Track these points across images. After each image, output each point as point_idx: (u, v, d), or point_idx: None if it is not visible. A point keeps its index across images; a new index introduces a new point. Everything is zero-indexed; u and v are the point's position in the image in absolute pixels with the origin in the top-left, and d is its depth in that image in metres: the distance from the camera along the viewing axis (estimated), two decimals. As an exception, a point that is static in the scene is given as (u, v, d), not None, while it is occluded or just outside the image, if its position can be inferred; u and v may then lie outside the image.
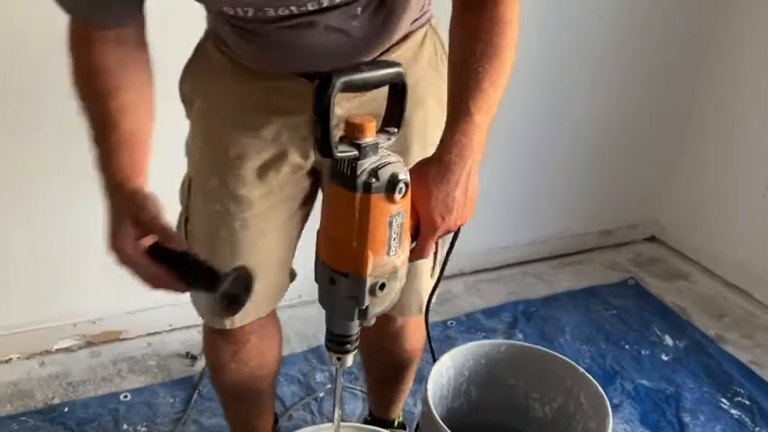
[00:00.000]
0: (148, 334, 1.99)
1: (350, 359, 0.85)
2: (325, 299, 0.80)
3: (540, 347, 1.42)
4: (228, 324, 1.15)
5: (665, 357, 2.06)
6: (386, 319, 1.23)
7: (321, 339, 0.89)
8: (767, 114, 2.27)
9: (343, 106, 0.97)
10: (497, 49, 0.86)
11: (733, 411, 1.87)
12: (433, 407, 1.23)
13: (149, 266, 0.80)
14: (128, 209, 0.82)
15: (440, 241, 1.01)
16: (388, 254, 0.77)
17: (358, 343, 0.84)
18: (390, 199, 0.74)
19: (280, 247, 1.14)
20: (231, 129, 1.04)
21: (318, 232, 0.80)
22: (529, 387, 1.44)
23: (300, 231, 1.17)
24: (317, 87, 0.70)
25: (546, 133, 2.30)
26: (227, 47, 1.02)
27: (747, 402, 1.89)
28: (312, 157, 1.06)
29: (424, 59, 1.07)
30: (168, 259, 0.81)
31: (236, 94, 1.04)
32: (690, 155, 2.54)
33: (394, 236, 0.77)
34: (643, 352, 2.07)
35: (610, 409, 1.25)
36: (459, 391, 1.42)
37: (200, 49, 1.08)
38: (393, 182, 0.73)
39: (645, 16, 2.26)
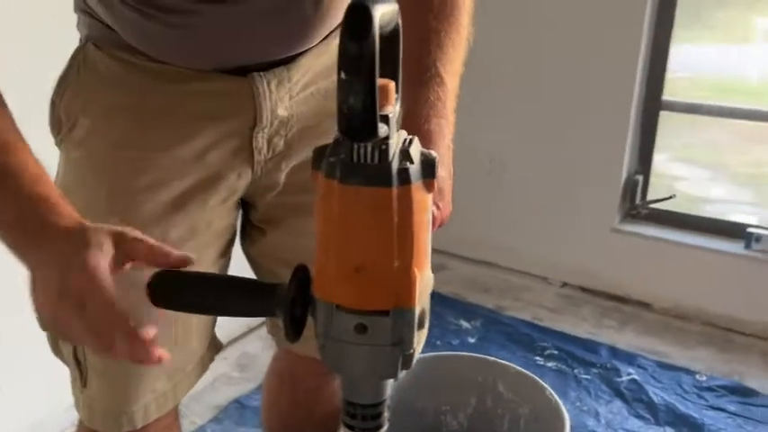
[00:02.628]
0: None
1: None
2: (345, 359, 0.55)
3: (443, 353, 1.32)
4: (139, 421, 0.83)
5: (471, 340, 2.13)
6: (326, 374, 0.99)
7: None
8: (467, 118, 2.52)
9: (285, 102, 0.75)
10: (455, 5, 0.74)
11: (550, 365, 2.00)
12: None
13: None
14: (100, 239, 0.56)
15: None
16: (428, 266, 0.56)
17: None
18: (429, 186, 0.53)
19: None
20: (136, 151, 0.76)
21: (314, 270, 0.54)
22: (438, 402, 1.32)
23: None
24: (348, 27, 0.46)
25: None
26: (122, 48, 0.75)
27: (556, 352, 2.05)
28: (246, 177, 0.79)
29: None
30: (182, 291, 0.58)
31: (138, 104, 0.76)
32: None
33: (430, 239, 0.56)
34: (453, 342, 2.11)
35: (542, 383, 1.21)
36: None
37: (80, 58, 0.81)
38: (429, 162, 0.52)
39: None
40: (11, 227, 0.59)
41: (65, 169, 0.82)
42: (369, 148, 0.50)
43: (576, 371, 1.97)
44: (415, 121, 0.68)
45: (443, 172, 0.69)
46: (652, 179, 2.41)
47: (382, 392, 0.57)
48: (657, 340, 2.15)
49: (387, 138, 0.50)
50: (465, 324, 2.22)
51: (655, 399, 1.82)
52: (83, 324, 0.54)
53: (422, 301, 0.54)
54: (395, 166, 0.50)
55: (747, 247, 2.18)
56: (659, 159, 2.61)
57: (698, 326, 2.24)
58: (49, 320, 0.60)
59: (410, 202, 0.51)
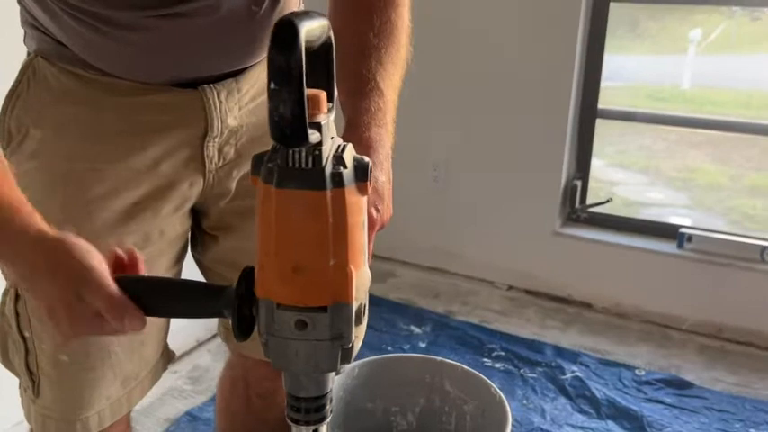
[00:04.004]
0: None
1: (325, 429, 0.63)
2: (288, 354, 0.57)
3: (392, 354, 1.35)
4: (94, 428, 0.84)
5: (422, 344, 2.17)
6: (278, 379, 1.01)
7: None
8: (417, 116, 2.58)
9: (234, 113, 0.78)
10: (394, 26, 0.78)
11: (498, 365, 2.06)
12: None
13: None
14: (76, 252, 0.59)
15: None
16: (365, 263, 0.60)
17: None
18: (362, 190, 0.56)
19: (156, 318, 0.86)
20: (89, 162, 0.78)
21: (256, 270, 0.58)
22: (387, 403, 1.35)
23: None
24: (275, 41, 0.50)
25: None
26: (72, 62, 0.76)
27: (503, 353, 2.11)
28: (198, 185, 0.82)
29: None
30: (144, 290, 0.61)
31: (91, 117, 0.77)
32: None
33: (366, 239, 0.60)
34: (404, 347, 2.15)
35: (487, 380, 1.25)
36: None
37: (29, 71, 0.82)
38: (362, 166, 0.55)
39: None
40: None
41: (16, 181, 0.82)
42: (302, 154, 0.53)
43: (522, 370, 2.03)
44: (357, 130, 0.71)
45: (383, 177, 0.72)
46: (591, 184, 2.51)
47: (324, 386, 0.60)
48: (599, 338, 2.24)
49: (319, 144, 0.53)
50: (416, 329, 2.26)
51: (597, 394, 1.90)
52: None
53: (359, 297, 0.57)
54: (328, 170, 0.53)
55: (680, 246, 2.29)
56: (598, 165, 2.72)
57: (637, 323, 2.33)
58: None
59: (343, 205, 0.54)
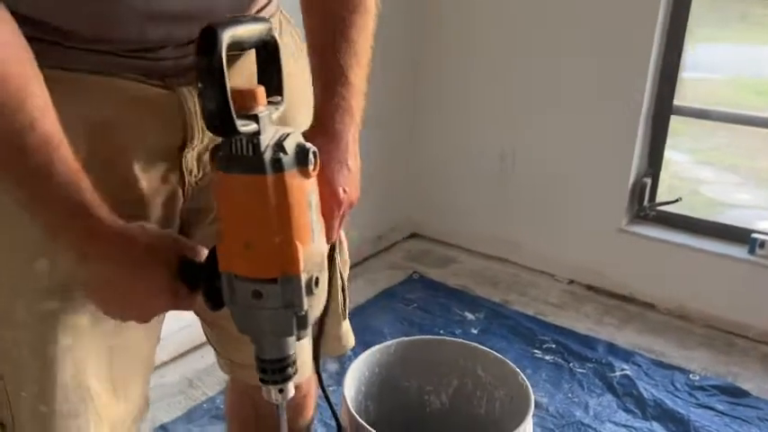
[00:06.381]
0: None
1: (292, 388, 0.70)
2: (249, 321, 0.65)
3: (428, 336, 1.40)
4: None
5: (474, 331, 2.20)
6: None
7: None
8: (479, 114, 2.59)
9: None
10: (363, 5, 0.79)
11: (547, 357, 2.07)
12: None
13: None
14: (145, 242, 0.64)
15: (341, 235, 0.92)
16: (314, 240, 0.65)
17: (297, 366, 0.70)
18: (305, 173, 0.62)
19: (146, 339, 0.84)
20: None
21: (217, 247, 0.64)
22: (422, 382, 1.40)
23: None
24: (199, 46, 0.57)
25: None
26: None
27: (554, 346, 2.12)
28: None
29: (287, 51, 0.89)
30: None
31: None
32: (423, 152, 2.77)
33: (315, 218, 0.66)
34: (456, 332, 2.19)
35: (517, 369, 1.28)
36: (359, 411, 1.32)
37: None
38: (303, 152, 0.62)
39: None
40: (57, 228, 0.64)
41: None
42: (243, 142, 0.60)
43: (571, 364, 2.03)
44: (320, 118, 0.76)
45: (351, 161, 0.76)
46: (673, 182, 2.43)
47: (285, 349, 0.67)
48: (657, 339, 2.20)
49: (257, 133, 0.60)
50: (469, 315, 2.29)
51: (645, 394, 1.88)
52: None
53: (309, 270, 0.63)
54: (267, 156, 0.59)
55: (752, 252, 2.21)
56: (683, 161, 2.62)
57: (700, 328, 2.27)
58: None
59: (284, 187, 0.60)
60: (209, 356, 1.01)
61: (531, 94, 2.47)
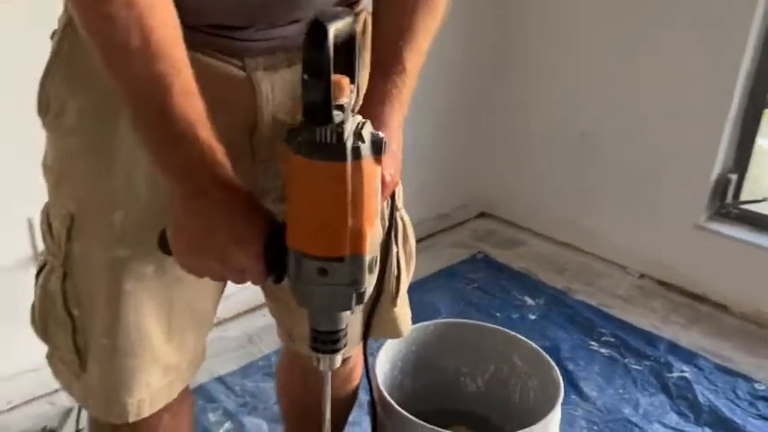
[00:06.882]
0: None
1: (339, 359, 0.75)
2: (311, 296, 0.70)
3: (466, 320, 1.41)
4: (132, 415, 0.86)
5: (532, 317, 2.18)
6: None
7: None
8: (562, 90, 2.52)
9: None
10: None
11: (603, 351, 2.03)
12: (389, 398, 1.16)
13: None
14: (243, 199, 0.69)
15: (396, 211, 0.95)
16: (377, 222, 0.69)
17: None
18: (378, 161, 0.66)
19: (206, 297, 0.90)
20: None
21: (288, 226, 0.68)
22: (459, 364, 1.42)
23: None
24: (308, 39, 0.60)
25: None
26: None
27: (612, 340, 2.07)
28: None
29: (366, 44, 0.88)
30: None
31: None
32: (500, 130, 2.73)
33: (379, 201, 0.69)
34: (513, 316, 2.18)
35: (552, 362, 1.27)
36: (393, 386, 1.36)
37: (68, 28, 0.76)
38: (377, 141, 0.65)
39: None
40: (176, 173, 0.68)
41: (55, 153, 0.81)
42: (328, 131, 0.63)
43: (627, 360, 1.98)
44: (371, 101, 0.78)
45: (394, 145, 0.78)
46: (756, 177, 2.30)
47: (339, 322, 0.72)
48: (724, 343, 2.10)
49: (342, 122, 0.63)
50: (529, 300, 2.27)
51: (701, 399, 1.81)
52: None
53: (372, 251, 0.67)
54: (349, 145, 0.63)
55: (841, 260, 2.07)
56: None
57: (776, 336, 2.16)
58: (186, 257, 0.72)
59: (361, 174, 0.64)
60: (269, 316, 1.08)
61: (618, 76, 2.38)
